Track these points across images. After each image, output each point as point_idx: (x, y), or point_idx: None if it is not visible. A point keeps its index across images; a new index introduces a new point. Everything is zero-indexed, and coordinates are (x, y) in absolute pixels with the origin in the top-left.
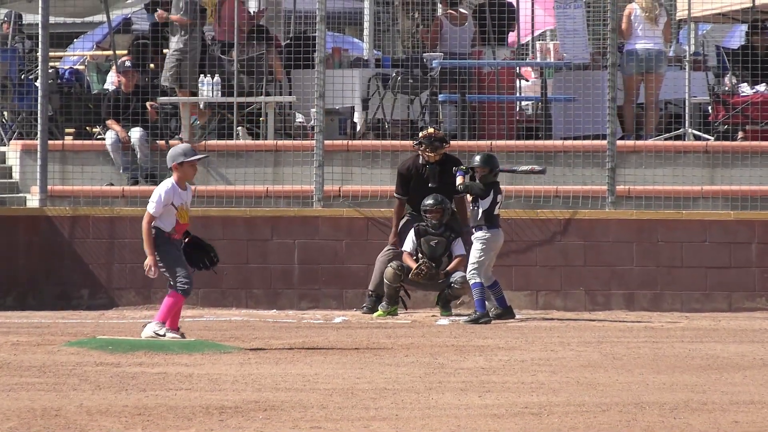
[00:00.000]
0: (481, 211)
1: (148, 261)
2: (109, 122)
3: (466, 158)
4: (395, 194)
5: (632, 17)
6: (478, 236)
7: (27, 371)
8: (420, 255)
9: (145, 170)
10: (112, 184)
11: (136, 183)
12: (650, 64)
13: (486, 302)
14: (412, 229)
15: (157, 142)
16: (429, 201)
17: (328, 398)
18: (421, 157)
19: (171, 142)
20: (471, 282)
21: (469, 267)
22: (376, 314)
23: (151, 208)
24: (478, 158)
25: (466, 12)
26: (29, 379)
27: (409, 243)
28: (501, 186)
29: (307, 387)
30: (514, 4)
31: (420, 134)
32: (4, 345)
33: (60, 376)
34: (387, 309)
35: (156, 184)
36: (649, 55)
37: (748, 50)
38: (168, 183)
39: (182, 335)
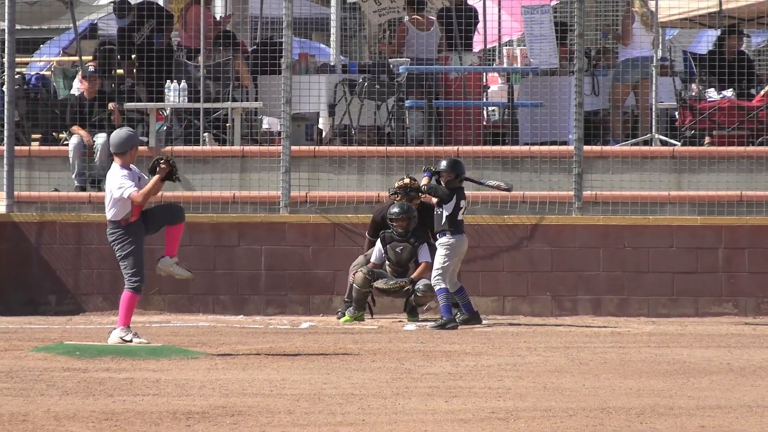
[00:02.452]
0: (444, 215)
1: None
2: (73, 128)
3: (433, 164)
4: (366, 234)
5: (632, 23)
6: (442, 242)
7: None
8: (387, 263)
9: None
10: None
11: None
12: (646, 70)
13: (453, 307)
14: (379, 238)
15: None
16: (395, 210)
17: (295, 403)
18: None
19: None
20: (436, 288)
21: (434, 273)
22: (342, 320)
23: (127, 191)
24: (444, 163)
25: (432, 17)
26: None
27: (376, 252)
28: (466, 192)
29: (274, 392)
30: (479, 9)
31: (396, 185)
32: None
33: (27, 382)
34: (354, 314)
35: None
36: (645, 61)
37: (715, 55)
38: (120, 168)
39: (135, 334)
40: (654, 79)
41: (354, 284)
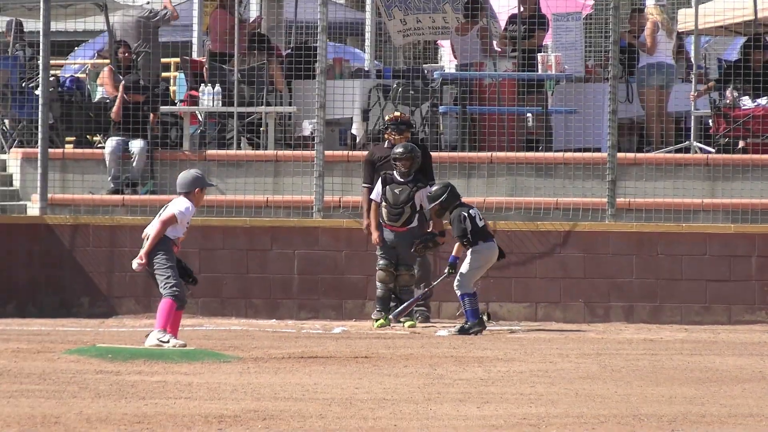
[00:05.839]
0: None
1: (143, 254)
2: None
3: (466, 170)
4: (362, 184)
5: (656, 32)
6: (473, 249)
7: (27, 378)
8: (384, 204)
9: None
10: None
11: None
12: (670, 78)
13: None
14: (380, 178)
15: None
16: (399, 149)
17: (326, 408)
18: (387, 141)
19: (172, 153)
20: (458, 293)
21: (457, 277)
22: (376, 324)
23: (180, 214)
24: (431, 192)
25: (474, 22)
26: (29, 386)
27: (376, 192)
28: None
29: (306, 397)
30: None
31: (386, 118)
32: (4, 352)
33: (60, 384)
34: (385, 317)
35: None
36: (670, 68)
37: (749, 64)
38: (189, 203)
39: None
40: (693, 86)
41: (377, 282)
